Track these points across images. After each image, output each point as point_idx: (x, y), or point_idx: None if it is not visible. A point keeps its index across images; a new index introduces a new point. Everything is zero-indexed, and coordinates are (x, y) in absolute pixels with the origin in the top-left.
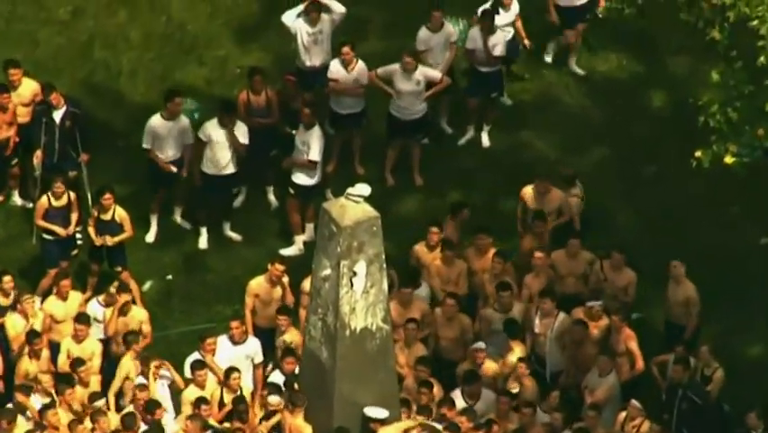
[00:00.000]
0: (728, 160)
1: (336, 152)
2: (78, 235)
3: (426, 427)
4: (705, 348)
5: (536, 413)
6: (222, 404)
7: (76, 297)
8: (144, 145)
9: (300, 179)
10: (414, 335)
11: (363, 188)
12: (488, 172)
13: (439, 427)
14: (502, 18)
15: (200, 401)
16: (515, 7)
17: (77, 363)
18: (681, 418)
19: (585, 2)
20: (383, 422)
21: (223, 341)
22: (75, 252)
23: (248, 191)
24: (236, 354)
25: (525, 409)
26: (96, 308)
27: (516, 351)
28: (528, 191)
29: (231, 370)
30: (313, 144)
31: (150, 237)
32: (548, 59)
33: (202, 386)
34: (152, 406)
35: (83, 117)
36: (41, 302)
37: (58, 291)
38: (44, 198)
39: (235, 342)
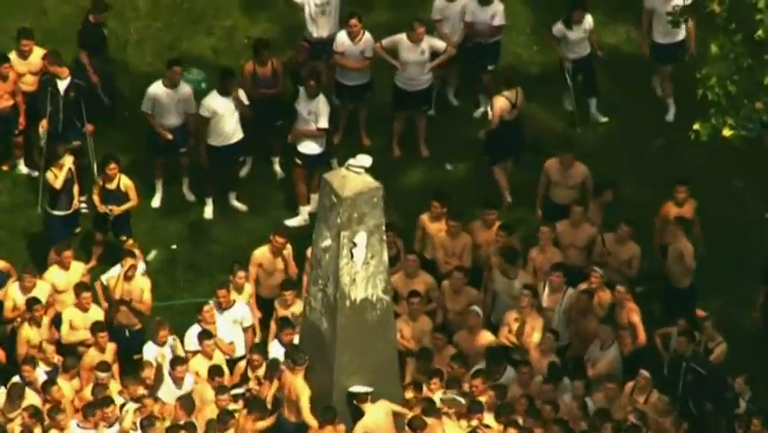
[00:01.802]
0: (727, 133)
1: (342, 123)
2: (83, 205)
3: (449, 400)
4: (708, 323)
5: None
6: (246, 379)
7: (78, 267)
8: (143, 109)
9: (307, 148)
10: (418, 309)
11: (364, 159)
12: None
13: (462, 400)
14: (574, 33)
15: (215, 371)
16: (587, 22)
17: (96, 327)
18: (686, 389)
19: (682, 39)
20: (368, 399)
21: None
22: (78, 229)
23: (253, 162)
24: (223, 319)
25: (545, 386)
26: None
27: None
28: (553, 163)
29: (253, 348)
30: (320, 112)
31: (156, 202)
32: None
33: (210, 356)
34: (177, 362)
35: (87, 89)
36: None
37: (60, 262)
38: (50, 174)
39: (222, 309)
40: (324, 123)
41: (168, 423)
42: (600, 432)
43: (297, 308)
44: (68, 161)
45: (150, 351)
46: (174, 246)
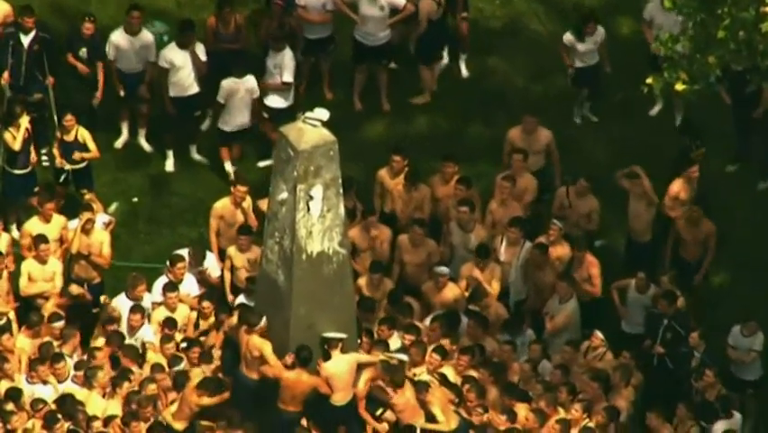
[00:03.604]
0: (679, 87)
1: (305, 77)
2: (44, 158)
3: (387, 364)
4: (665, 277)
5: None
6: (197, 327)
7: (58, 220)
8: (107, 55)
9: (273, 101)
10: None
11: (322, 113)
12: (455, 98)
13: (404, 357)
14: (584, 45)
15: (168, 322)
16: (598, 35)
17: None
18: (664, 347)
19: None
20: (339, 346)
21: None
22: (36, 189)
23: (214, 114)
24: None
25: (505, 346)
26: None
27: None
28: (515, 132)
29: (203, 297)
30: (285, 66)
31: (120, 144)
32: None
33: (172, 309)
34: (133, 310)
35: (51, 42)
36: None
37: (42, 214)
38: (8, 135)
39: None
40: (288, 77)
41: None
42: (557, 394)
43: (253, 254)
44: (24, 120)
45: (120, 303)
46: (135, 199)
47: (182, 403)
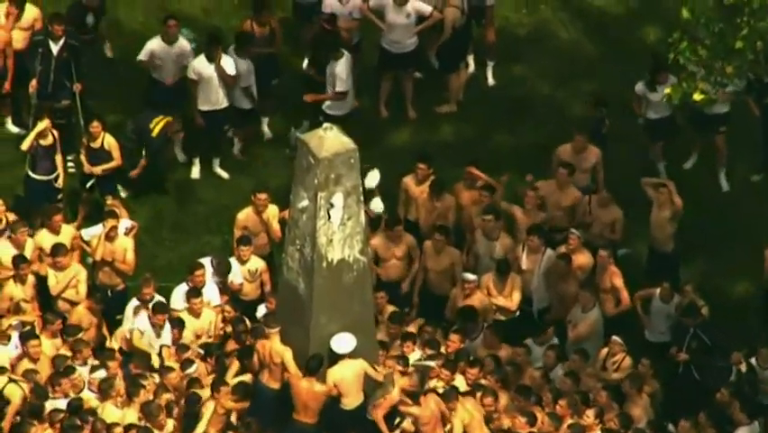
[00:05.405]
0: (697, 97)
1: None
2: (70, 164)
3: (418, 368)
4: (689, 287)
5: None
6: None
7: (68, 231)
8: (139, 57)
9: (330, 108)
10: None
11: (374, 180)
12: (481, 106)
13: (432, 364)
14: (657, 94)
15: (177, 324)
16: (671, 83)
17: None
18: (690, 356)
19: (724, 111)
20: (351, 355)
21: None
22: (60, 195)
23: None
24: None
25: (519, 349)
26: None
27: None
28: (565, 150)
29: (227, 303)
30: (337, 76)
31: None
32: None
33: (197, 315)
34: (158, 309)
35: (80, 49)
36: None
37: (50, 226)
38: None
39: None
40: (340, 87)
41: None
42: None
43: (254, 263)
44: (41, 124)
45: (133, 306)
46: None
47: (216, 408)
